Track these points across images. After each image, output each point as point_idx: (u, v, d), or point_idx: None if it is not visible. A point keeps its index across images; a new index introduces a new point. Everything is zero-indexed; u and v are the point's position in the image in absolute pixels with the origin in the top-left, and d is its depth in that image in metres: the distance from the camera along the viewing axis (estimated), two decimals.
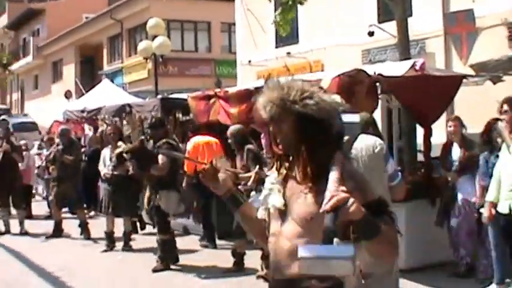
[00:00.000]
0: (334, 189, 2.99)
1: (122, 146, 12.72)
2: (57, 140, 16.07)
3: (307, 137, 3.26)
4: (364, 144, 6.08)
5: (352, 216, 2.91)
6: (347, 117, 3.69)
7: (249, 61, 29.13)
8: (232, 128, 11.35)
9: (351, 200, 2.91)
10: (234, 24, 33.04)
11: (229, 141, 11.34)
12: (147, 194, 11.75)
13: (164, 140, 11.49)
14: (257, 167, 10.26)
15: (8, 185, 15.88)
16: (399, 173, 6.35)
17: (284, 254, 3.29)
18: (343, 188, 2.99)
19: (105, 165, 13.47)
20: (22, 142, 19.36)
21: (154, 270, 11.38)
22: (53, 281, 10.90)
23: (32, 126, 38.92)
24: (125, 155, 12.09)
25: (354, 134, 3.58)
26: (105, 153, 13.71)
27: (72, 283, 10.73)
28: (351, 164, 3.39)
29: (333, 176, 3.09)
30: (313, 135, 3.24)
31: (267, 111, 3.35)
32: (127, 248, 13.31)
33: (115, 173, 13.11)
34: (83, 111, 20.28)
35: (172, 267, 11.58)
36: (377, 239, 3.03)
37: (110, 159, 13.28)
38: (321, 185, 3.10)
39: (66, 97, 41.03)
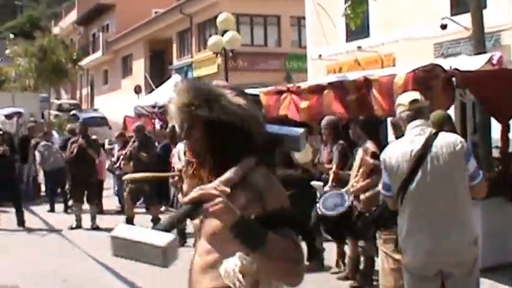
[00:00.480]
0: (211, 186, 2.85)
1: None
2: (125, 135, 16.26)
3: (214, 143, 3.10)
4: (445, 142, 5.92)
5: (215, 215, 2.76)
6: (289, 130, 3.48)
7: (319, 55, 28.91)
8: (330, 119, 11.26)
9: (219, 199, 2.74)
10: (303, 18, 32.82)
11: (323, 131, 11.27)
12: None
13: None
14: (334, 166, 10.24)
15: (84, 180, 16.09)
16: (480, 172, 6.19)
17: (196, 271, 3.21)
18: (224, 189, 2.84)
19: (180, 160, 13.50)
20: (93, 137, 19.56)
21: None
22: (125, 277, 10.98)
23: (102, 121, 39.44)
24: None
25: (297, 147, 3.27)
26: (180, 148, 13.73)
27: (144, 279, 10.77)
28: (263, 176, 3.10)
29: (224, 176, 2.96)
30: (220, 140, 3.08)
31: (177, 117, 3.18)
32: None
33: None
34: (153, 107, 20.40)
35: None
36: (267, 254, 2.82)
37: (184, 154, 13.29)
38: (229, 196, 2.91)
39: (136, 92, 41.43)
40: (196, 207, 2.78)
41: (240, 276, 2.83)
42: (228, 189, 2.86)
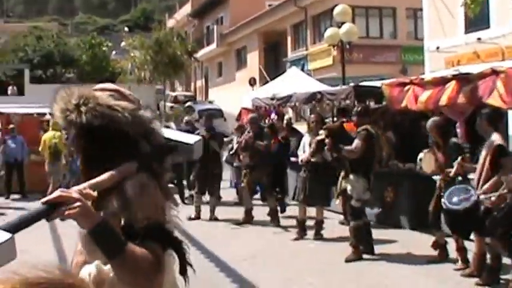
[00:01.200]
0: (76, 188, 2.68)
1: (322, 134, 12.67)
2: (243, 127, 16.31)
3: (87, 146, 2.97)
4: None
5: (71, 217, 2.58)
6: (185, 138, 3.27)
7: (437, 47, 28.33)
8: (435, 121, 11.09)
9: (78, 203, 2.56)
10: (420, 10, 32.26)
11: (431, 134, 11.14)
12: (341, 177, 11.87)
13: (364, 127, 11.46)
14: (459, 158, 10.02)
15: (208, 172, 16.25)
16: None
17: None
18: (89, 192, 2.67)
19: (304, 152, 13.49)
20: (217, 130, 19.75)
21: (347, 260, 11.31)
22: (243, 268, 11.00)
23: (218, 113, 39.77)
24: (322, 131, 12.28)
25: (191, 156, 3.07)
26: (305, 140, 13.72)
27: (262, 270, 10.81)
28: (137, 183, 2.91)
29: (95, 179, 2.80)
30: (96, 144, 2.93)
31: (61, 124, 3.03)
32: (318, 236, 13.26)
33: (312, 159, 13.09)
34: (272, 99, 20.41)
35: (366, 257, 11.46)
36: (123, 264, 2.65)
37: (310, 145, 13.27)
38: (102, 201, 2.80)
39: (251, 84, 41.62)
40: (51, 209, 2.64)
41: (92, 286, 2.71)
42: (93, 193, 2.72)
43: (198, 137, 3.35)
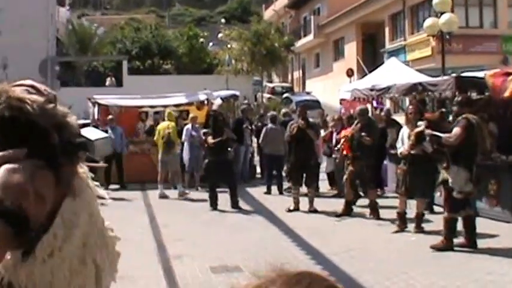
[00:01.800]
0: None
1: (421, 126, 12.41)
2: (342, 119, 16.14)
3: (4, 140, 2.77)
4: None
5: None
6: (88, 133, 3.09)
7: None
8: None
9: None
10: None
11: None
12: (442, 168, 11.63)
13: (464, 116, 11.22)
14: None
15: (303, 162, 16.12)
16: None
17: None
18: None
19: (403, 144, 13.24)
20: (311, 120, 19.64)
21: (432, 247, 11.25)
22: (342, 261, 10.86)
23: (315, 104, 39.61)
24: (421, 122, 12.10)
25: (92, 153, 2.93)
26: (404, 131, 13.46)
27: (361, 263, 10.66)
28: (15, 168, 2.70)
29: None
30: (3, 134, 2.72)
31: None
32: (419, 229, 13.00)
33: (412, 152, 12.83)
34: (371, 90, 20.14)
35: (468, 250, 11.19)
36: None
37: (408, 138, 13.01)
38: None
39: (348, 75, 41.31)
40: None
41: None
42: None
43: (103, 134, 3.33)
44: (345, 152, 15.41)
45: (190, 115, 21.12)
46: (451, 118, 12.38)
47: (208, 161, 17.23)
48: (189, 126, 20.35)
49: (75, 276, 2.56)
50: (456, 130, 11.10)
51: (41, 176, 2.84)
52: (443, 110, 12.99)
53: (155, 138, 20.42)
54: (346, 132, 15.78)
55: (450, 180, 11.31)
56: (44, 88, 3.16)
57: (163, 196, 19.31)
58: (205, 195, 17.81)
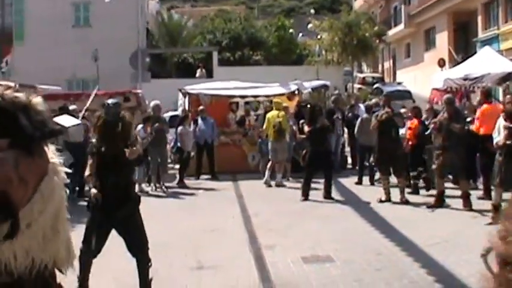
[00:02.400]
0: None
1: None
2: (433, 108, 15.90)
3: None
4: None
5: None
6: (63, 120, 3.07)
7: None
8: None
9: None
10: None
11: None
12: None
13: None
14: None
15: (390, 153, 15.96)
16: None
17: None
18: None
19: (499, 134, 12.96)
20: (402, 110, 19.42)
21: None
22: (434, 252, 10.71)
23: (406, 95, 39.20)
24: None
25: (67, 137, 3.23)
26: (500, 122, 13.18)
27: (453, 255, 10.51)
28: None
29: None
30: None
31: None
32: None
33: (508, 142, 12.53)
34: (464, 79, 19.80)
35: None
36: None
37: (504, 128, 12.73)
38: None
39: (440, 65, 40.66)
40: None
41: None
42: None
43: (76, 122, 3.54)
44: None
45: (284, 105, 21.07)
46: None
47: (307, 150, 17.18)
48: None
49: (48, 243, 2.88)
50: None
51: (25, 164, 2.94)
52: None
53: (264, 127, 20.50)
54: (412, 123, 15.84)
55: None
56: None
57: (268, 184, 19.48)
58: (297, 185, 17.85)
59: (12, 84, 8.43)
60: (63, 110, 17.94)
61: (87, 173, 8.36)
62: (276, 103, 20.88)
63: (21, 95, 3.31)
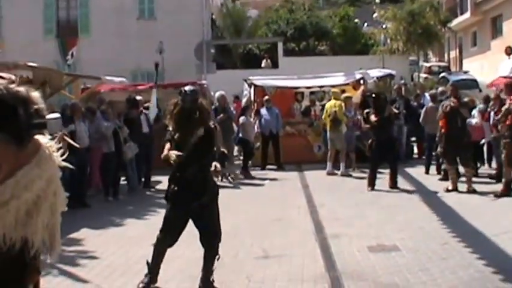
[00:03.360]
0: None
1: None
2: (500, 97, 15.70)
3: None
4: None
5: None
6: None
7: None
8: None
9: None
10: None
11: None
12: None
13: None
14: None
15: (456, 141, 15.83)
16: None
17: None
18: None
19: None
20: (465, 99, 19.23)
21: None
22: (504, 242, 10.55)
23: (473, 84, 38.73)
24: None
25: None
26: None
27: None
28: None
29: None
30: None
31: None
32: None
33: None
34: None
35: None
36: None
37: None
38: None
39: (507, 54, 40.02)
40: None
41: None
42: None
43: (55, 115, 3.86)
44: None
45: (343, 95, 21.01)
46: None
47: (372, 140, 17.14)
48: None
49: (20, 225, 3.35)
50: None
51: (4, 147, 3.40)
52: None
53: (323, 117, 20.58)
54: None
55: None
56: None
57: (330, 173, 19.55)
58: (363, 175, 17.86)
59: (14, 77, 8.47)
60: (130, 102, 18.24)
61: (165, 152, 8.07)
62: (334, 93, 20.96)
63: (22, 89, 3.60)
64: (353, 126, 20.40)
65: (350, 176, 19.35)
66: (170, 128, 8.27)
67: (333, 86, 23.57)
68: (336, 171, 19.64)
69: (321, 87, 24.53)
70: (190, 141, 8.00)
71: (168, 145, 8.13)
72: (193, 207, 8.05)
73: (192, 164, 8.00)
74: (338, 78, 24.31)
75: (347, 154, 20.11)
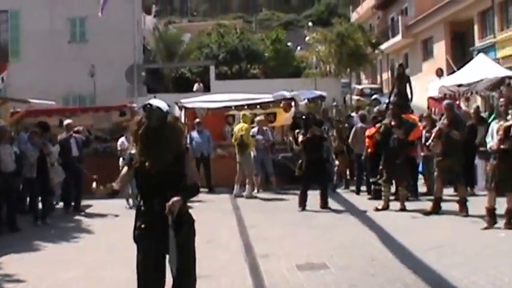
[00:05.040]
0: None
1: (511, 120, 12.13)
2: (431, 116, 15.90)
3: None
4: None
5: None
6: None
7: None
8: None
9: None
10: None
11: None
12: None
13: None
14: None
15: (391, 161, 15.94)
16: None
17: None
18: None
19: (492, 138, 12.95)
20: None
21: None
22: (431, 257, 10.66)
23: (404, 105, 39.16)
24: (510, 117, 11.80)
25: None
26: (494, 126, 13.18)
27: (449, 260, 10.42)
28: None
29: None
30: None
31: None
32: (510, 226, 12.65)
33: (502, 146, 12.52)
34: (459, 86, 19.88)
35: None
36: None
37: (497, 132, 12.71)
38: None
39: (438, 75, 40.68)
40: None
41: None
42: None
43: None
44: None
45: (257, 118, 21.04)
46: None
47: (302, 160, 17.18)
48: (255, 129, 20.38)
49: None
50: None
51: None
52: None
53: (232, 140, 20.71)
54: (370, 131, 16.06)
55: None
56: None
57: (238, 196, 19.81)
58: (293, 196, 17.84)
59: None
60: (41, 126, 17.83)
61: (117, 181, 6.71)
62: (244, 116, 21.06)
63: None
64: (265, 150, 20.44)
65: (256, 198, 19.32)
66: (133, 151, 6.75)
67: (265, 108, 23.61)
68: (243, 194, 19.67)
69: (252, 108, 24.50)
70: (158, 167, 6.48)
71: (125, 170, 6.75)
72: (167, 245, 6.42)
73: (161, 195, 6.38)
74: (268, 97, 24.25)
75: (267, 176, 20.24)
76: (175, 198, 6.30)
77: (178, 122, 6.98)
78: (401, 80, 22.45)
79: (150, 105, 6.58)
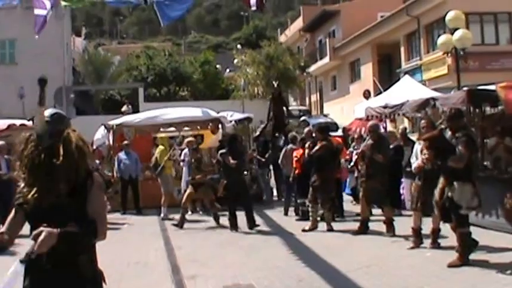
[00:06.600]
0: None
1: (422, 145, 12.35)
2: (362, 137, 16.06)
3: None
4: None
5: None
6: None
7: None
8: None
9: None
10: None
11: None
12: (440, 185, 11.32)
13: (464, 132, 11.07)
14: None
15: (317, 182, 16.03)
16: None
17: None
18: None
19: (417, 159, 13.13)
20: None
21: (450, 265, 11.00)
22: (358, 277, 10.72)
23: (333, 127, 39.49)
24: (422, 142, 11.98)
25: None
26: (417, 147, 13.37)
27: (377, 279, 10.53)
28: None
29: None
30: None
31: None
32: (435, 245, 12.82)
33: (426, 167, 12.69)
34: (384, 107, 20.12)
35: (482, 265, 11.04)
36: None
37: (421, 152, 12.88)
38: None
39: (365, 97, 41.18)
40: None
41: None
42: None
43: None
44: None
45: (186, 140, 21.02)
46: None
47: (227, 182, 17.15)
48: (186, 150, 20.35)
49: None
50: (461, 151, 10.91)
51: None
52: (442, 127, 12.64)
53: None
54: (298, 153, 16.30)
55: (456, 198, 11.07)
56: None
57: (165, 219, 19.66)
58: (223, 218, 17.80)
59: None
60: None
61: (5, 229, 4.73)
62: (160, 138, 21.46)
63: None
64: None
65: (171, 219, 19.19)
66: (22, 183, 4.80)
67: (191, 125, 23.71)
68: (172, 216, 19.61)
69: (179, 130, 24.38)
70: (50, 200, 4.61)
71: (12, 213, 4.80)
72: None
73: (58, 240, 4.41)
74: (195, 115, 24.19)
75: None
76: (48, 230, 4.37)
77: (79, 138, 4.82)
78: (278, 103, 22.73)
79: (44, 116, 4.87)
